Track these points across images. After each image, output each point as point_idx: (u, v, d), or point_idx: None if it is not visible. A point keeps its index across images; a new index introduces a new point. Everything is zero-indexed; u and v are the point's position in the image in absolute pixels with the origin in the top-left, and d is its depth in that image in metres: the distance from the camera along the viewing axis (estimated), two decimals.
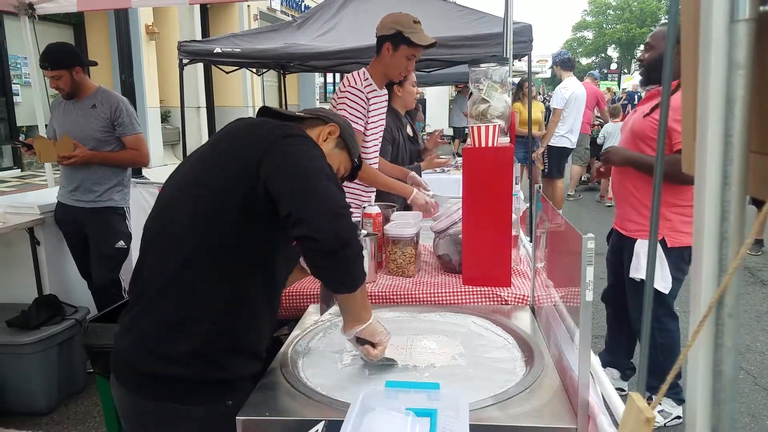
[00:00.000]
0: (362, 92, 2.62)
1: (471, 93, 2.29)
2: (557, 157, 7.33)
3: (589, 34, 50.11)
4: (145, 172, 5.44)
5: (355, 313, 1.41)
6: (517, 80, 8.99)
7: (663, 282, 2.69)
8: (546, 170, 7.40)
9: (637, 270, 2.77)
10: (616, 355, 3.35)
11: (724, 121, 0.58)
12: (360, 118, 2.62)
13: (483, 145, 2.03)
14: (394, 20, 2.57)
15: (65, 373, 3.25)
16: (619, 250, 2.98)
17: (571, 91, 7.01)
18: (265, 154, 1.31)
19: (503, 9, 3.99)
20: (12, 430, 3.04)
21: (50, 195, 3.70)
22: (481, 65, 2.36)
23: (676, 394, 3.02)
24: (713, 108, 0.58)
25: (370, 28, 3.59)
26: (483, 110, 2.29)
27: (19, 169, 9.37)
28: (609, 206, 9.56)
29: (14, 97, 9.41)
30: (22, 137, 8.72)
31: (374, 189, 2.93)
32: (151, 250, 1.42)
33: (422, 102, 19.41)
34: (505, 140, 2.25)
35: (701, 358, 0.63)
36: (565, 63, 7.22)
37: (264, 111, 1.59)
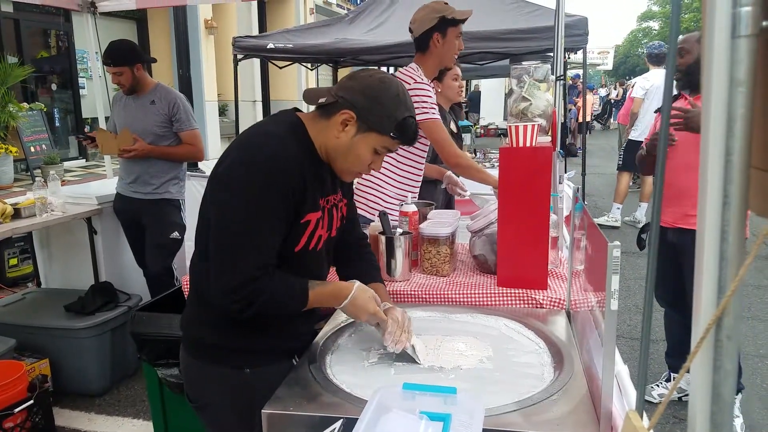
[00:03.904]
0: (429, 85, 2.63)
1: (511, 90, 2.26)
2: (635, 151, 7.06)
3: (655, 25, 48.18)
4: (201, 164, 5.61)
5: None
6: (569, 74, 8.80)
7: None
8: (621, 163, 7.19)
9: None
10: (684, 358, 3.31)
11: (724, 140, 0.56)
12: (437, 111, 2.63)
13: (521, 144, 1.99)
14: (431, 10, 2.57)
15: (118, 357, 3.41)
16: (681, 248, 2.87)
17: (652, 82, 6.75)
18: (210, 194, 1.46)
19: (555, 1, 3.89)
20: (67, 410, 3.21)
21: (108, 186, 3.87)
22: (523, 62, 2.32)
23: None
24: (714, 126, 0.57)
25: None
26: (523, 108, 2.25)
27: (84, 160, 9.83)
28: None
29: (80, 90, 9.86)
30: (87, 128, 9.13)
31: (418, 187, 2.85)
32: None
33: (477, 95, 19.09)
34: (545, 140, 2.21)
35: (700, 380, 0.62)
36: (651, 57, 6.98)
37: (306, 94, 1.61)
